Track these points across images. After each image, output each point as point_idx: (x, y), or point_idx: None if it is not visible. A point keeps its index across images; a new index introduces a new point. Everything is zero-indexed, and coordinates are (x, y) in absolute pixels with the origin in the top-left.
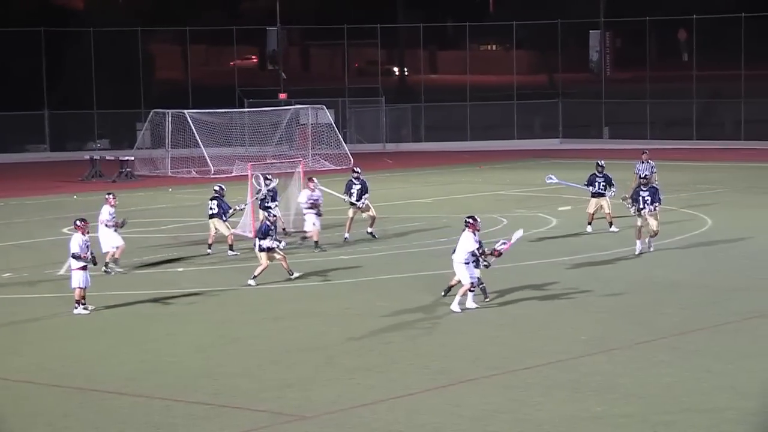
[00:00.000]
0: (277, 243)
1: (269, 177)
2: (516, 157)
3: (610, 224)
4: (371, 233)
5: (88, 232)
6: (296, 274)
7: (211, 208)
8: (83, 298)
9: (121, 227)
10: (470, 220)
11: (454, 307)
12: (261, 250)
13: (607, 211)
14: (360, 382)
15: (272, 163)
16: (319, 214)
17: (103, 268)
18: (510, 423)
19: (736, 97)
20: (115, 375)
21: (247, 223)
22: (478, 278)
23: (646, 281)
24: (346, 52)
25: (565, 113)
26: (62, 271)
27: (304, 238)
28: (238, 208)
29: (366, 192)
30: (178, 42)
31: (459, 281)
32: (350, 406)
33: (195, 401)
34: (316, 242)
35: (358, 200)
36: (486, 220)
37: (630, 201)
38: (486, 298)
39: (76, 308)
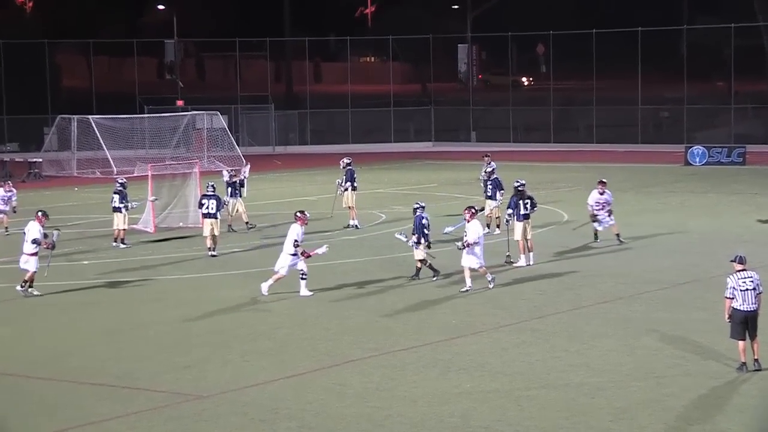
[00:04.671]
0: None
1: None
2: (393, 159)
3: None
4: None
5: (44, 225)
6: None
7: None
8: (32, 281)
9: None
10: (299, 214)
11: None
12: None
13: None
14: (252, 364)
15: (170, 164)
16: (610, 213)
17: (18, 287)
18: (388, 399)
19: (588, 104)
20: (26, 360)
21: (148, 219)
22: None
23: (507, 270)
24: (237, 63)
25: (437, 119)
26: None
27: (596, 237)
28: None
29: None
30: (83, 53)
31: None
32: (243, 386)
33: (100, 383)
34: (617, 235)
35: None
36: (367, 215)
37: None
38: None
39: (27, 288)
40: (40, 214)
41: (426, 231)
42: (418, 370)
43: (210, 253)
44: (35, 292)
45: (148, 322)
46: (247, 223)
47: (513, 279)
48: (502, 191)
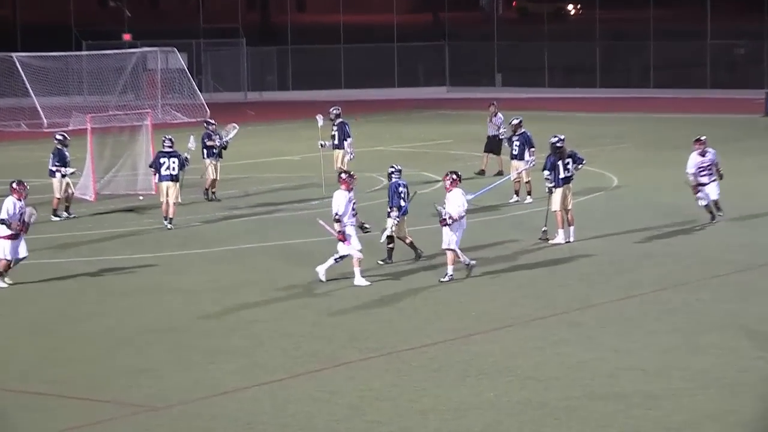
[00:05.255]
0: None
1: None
2: (397, 108)
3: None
4: None
5: (25, 197)
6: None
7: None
8: (7, 269)
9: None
10: (343, 176)
11: (359, 281)
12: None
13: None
14: (220, 367)
15: (115, 115)
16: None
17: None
18: (390, 411)
19: (644, 39)
20: None
21: (87, 185)
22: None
23: (542, 249)
24: None
25: (453, 58)
26: None
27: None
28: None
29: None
30: None
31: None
32: (209, 395)
33: (29, 391)
34: (713, 212)
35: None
36: (364, 180)
37: None
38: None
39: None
40: (14, 184)
41: (403, 201)
42: (428, 374)
43: (165, 223)
44: (7, 281)
45: (88, 315)
46: (213, 193)
47: (549, 260)
48: (533, 149)
